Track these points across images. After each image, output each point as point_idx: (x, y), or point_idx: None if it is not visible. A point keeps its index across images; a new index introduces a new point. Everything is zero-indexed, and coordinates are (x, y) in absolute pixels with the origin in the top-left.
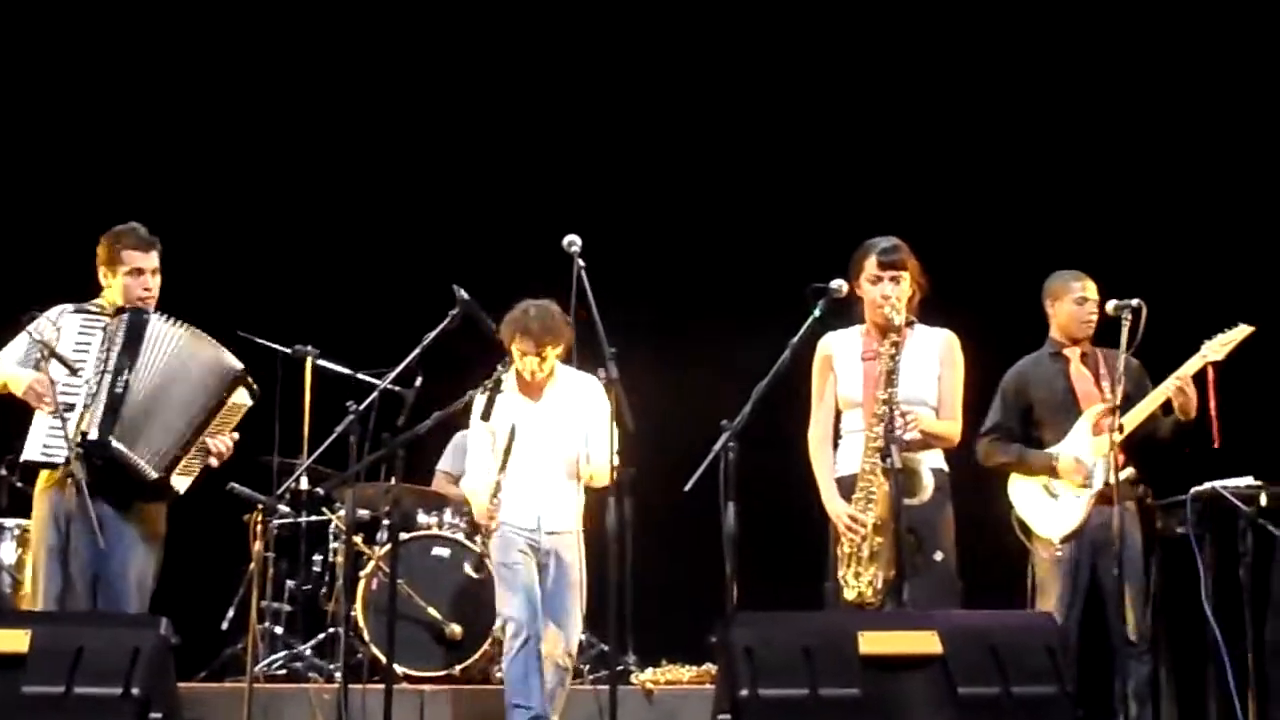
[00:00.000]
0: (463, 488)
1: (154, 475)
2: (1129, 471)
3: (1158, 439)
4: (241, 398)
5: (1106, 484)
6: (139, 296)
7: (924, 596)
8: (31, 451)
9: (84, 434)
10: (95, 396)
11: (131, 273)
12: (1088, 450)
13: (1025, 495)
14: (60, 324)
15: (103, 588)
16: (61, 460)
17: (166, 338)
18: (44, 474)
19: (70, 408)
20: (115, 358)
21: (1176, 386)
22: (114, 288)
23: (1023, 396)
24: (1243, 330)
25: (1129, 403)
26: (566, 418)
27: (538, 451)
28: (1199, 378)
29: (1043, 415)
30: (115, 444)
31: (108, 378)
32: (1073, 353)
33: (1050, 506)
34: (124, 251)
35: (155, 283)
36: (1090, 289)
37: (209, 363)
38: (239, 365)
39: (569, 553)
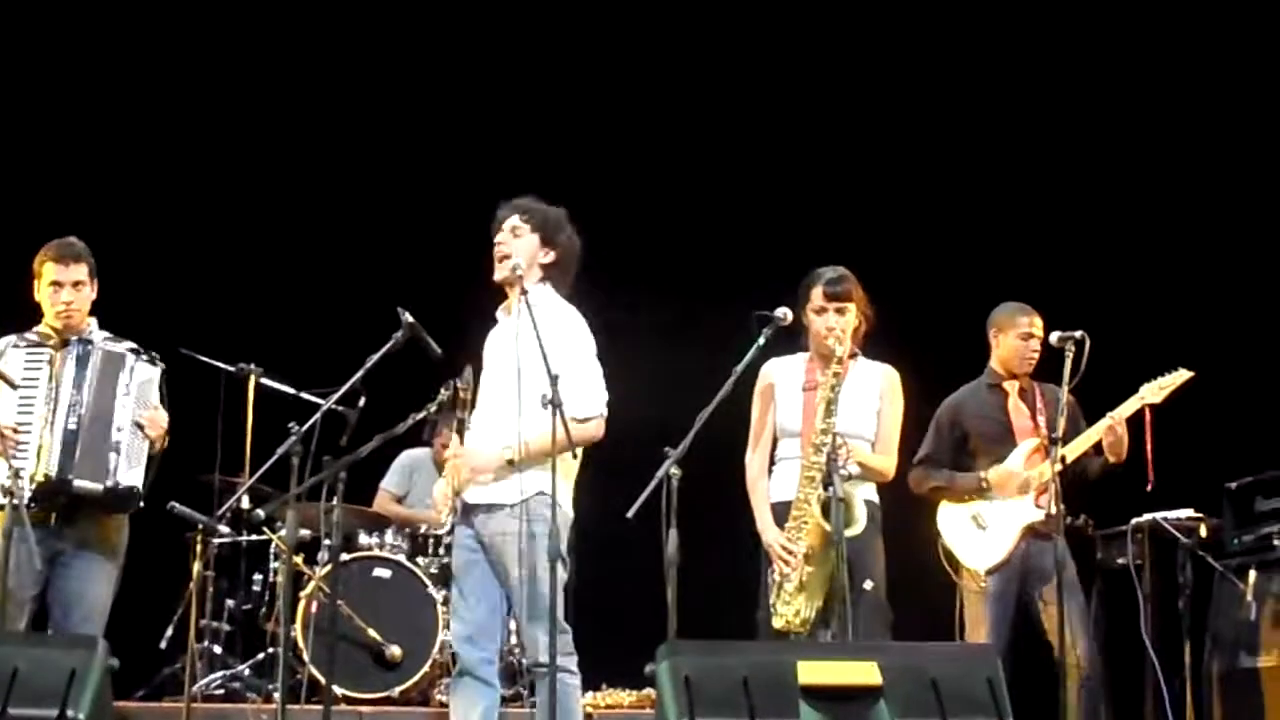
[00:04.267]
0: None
1: (101, 489)
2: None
3: (1086, 477)
4: (143, 373)
5: (1042, 518)
6: (58, 311)
7: (854, 625)
8: None
9: (47, 476)
10: (50, 435)
11: (51, 285)
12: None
13: (953, 525)
14: (6, 355)
15: (60, 608)
16: (19, 501)
17: (99, 363)
18: None
19: (25, 442)
20: (66, 393)
21: (1108, 426)
22: (43, 303)
23: (958, 426)
24: (1182, 375)
25: (1063, 439)
26: (528, 345)
27: (493, 393)
28: (1136, 419)
29: (977, 445)
30: (76, 481)
31: (60, 415)
32: (1011, 386)
33: (978, 538)
34: (44, 265)
35: (80, 295)
36: (1037, 325)
37: (117, 366)
38: (127, 345)
39: (501, 538)
